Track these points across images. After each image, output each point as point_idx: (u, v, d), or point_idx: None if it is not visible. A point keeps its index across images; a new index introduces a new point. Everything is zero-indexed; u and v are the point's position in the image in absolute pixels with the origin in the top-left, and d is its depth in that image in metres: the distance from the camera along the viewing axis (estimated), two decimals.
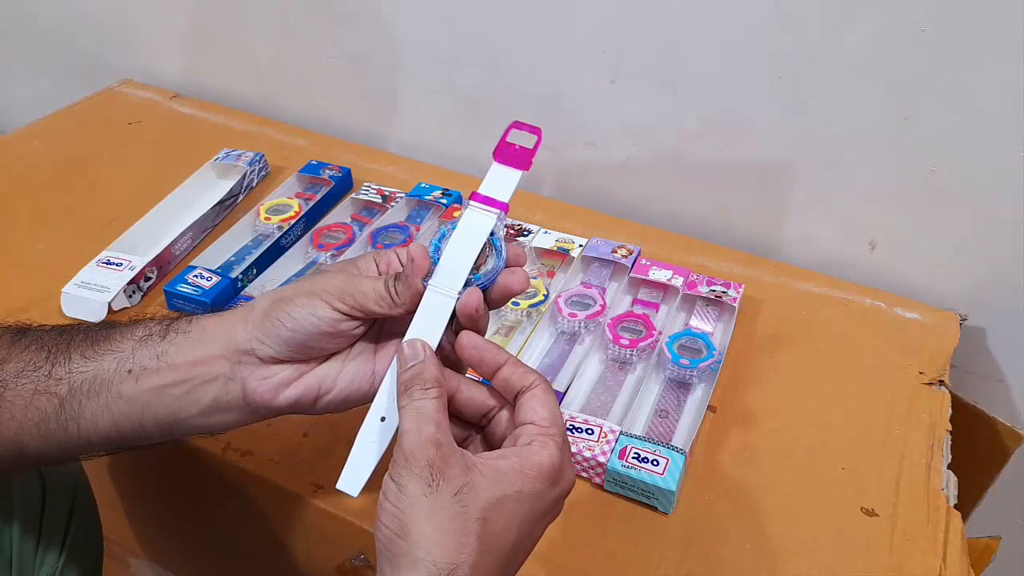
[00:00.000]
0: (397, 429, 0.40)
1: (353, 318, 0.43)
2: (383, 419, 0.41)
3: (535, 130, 0.45)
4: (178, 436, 0.46)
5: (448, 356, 0.43)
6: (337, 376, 0.44)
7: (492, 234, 0.43)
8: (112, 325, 0.45)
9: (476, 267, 0.42)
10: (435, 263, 0.42)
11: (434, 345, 0.41)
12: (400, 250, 0.46)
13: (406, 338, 0.41)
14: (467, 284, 0.42)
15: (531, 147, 0.45)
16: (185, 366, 0.43)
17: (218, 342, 0.43)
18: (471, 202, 0.43)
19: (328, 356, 0.44)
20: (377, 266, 0.45)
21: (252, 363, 0.43)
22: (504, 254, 0.43)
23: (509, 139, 0.45)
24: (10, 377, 0.43)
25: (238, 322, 0.44)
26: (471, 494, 0.35)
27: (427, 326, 0.42)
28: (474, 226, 0.43)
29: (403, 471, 0.36)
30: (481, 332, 0.43)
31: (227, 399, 0.44)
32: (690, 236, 0.80)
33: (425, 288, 0.42)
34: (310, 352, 0.43)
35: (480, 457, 0.38)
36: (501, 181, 0.44)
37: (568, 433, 0.56)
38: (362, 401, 0.45)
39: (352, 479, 0.41)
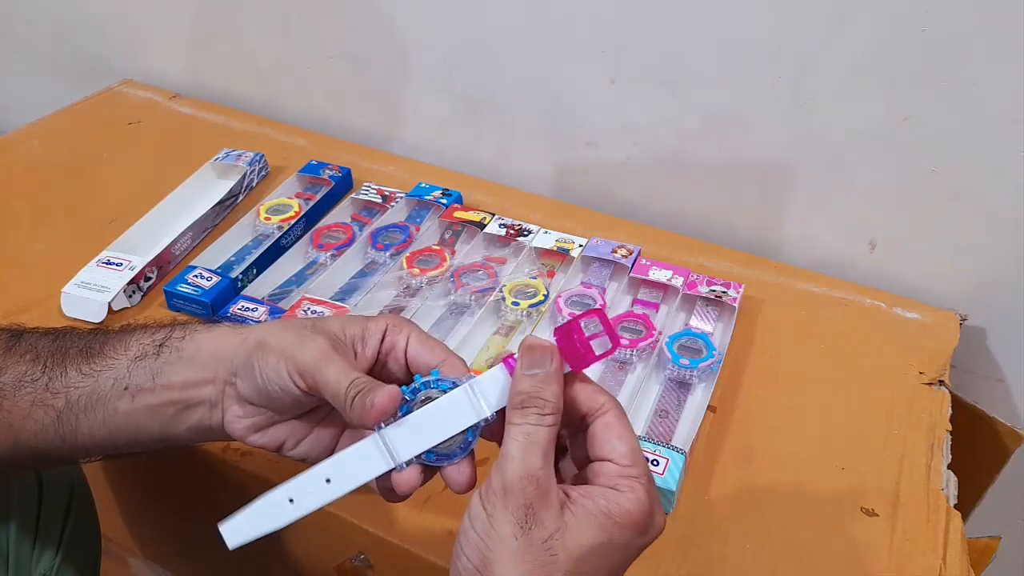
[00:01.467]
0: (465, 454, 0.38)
1: (310, 394, 0.40)
2: (328, 480, 0.39)
3: (614, 338, 0.38)
4: (170, 446, 0.46)
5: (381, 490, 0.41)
6: (301, 439, 0.44)
7: (476, 427, 0.39)
8: (105, 337, 0.45)
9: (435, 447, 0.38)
10: (403, 410, 0.38)
11: (352, 488, 0.39)
12: (400, 339, 0.42)
13: (370, 436, 0.38)
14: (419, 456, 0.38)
15: (597, 352, 0.38)
16: (178, 387, 0.43)
17: (209, 365, 0.43)
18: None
19: (301, 413, 0.43)
20: (381, 343, 0.42)
21: (233, 396, 0.43)
22: (470, 451, 0.39)
23: (584, 326, 0.38)
24: (8, 388, 0.43)
25: (232, 348, 0.42)
26: (561, 541, 0.33)
27: (356, 465, 0.39)
28: (461, 408, 0.38)
29: (498, 503, 0.34)
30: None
31: (209, 424, 0.44)
32: (690, 236, 0.80)
33: (376, 430, 0.38)
34: (276, 405, 0.42)
35: (572, 494, 0.35)
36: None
37: None
38: None
39: (240, 530, 0.39)
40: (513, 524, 0.33)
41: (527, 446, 0.35)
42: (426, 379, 0.40)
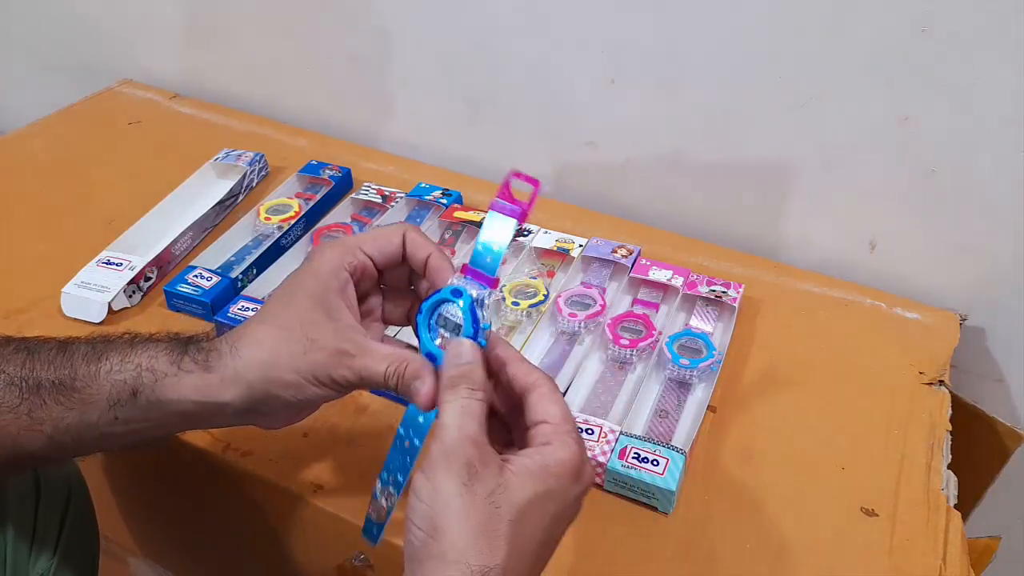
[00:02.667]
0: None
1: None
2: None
3: (533, 181, 0.41)
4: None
5: None
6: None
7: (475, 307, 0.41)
8: (73, 369, 0.42)
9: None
10: (427, 332, 0.42)
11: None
12: (392, 235, 0.45)
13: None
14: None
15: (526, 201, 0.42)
16: (176, 419, 0.43)
17: (205, 408, 0.42)
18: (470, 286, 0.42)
19: None
20: (347, 266, 0.44)
21: (259, 415, 0.45)
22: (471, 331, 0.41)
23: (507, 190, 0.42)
24: None
25: (224, 393, 0.42)
26: (504, 495, 0.35)
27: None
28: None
29: (439, 468, 0.36)
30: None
31: (236, 423, 0.45)
32: (690, 236, 0.80)
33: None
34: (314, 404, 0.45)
35: (509, 457, 0.38)
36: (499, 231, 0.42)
37: None
38: None
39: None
40: (456, 483, 0.35)
41: (462, 415, 0.37)
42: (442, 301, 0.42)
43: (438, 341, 0.42)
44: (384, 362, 0.41)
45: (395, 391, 0.41)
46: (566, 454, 0.37)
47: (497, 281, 0.42)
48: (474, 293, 0.41)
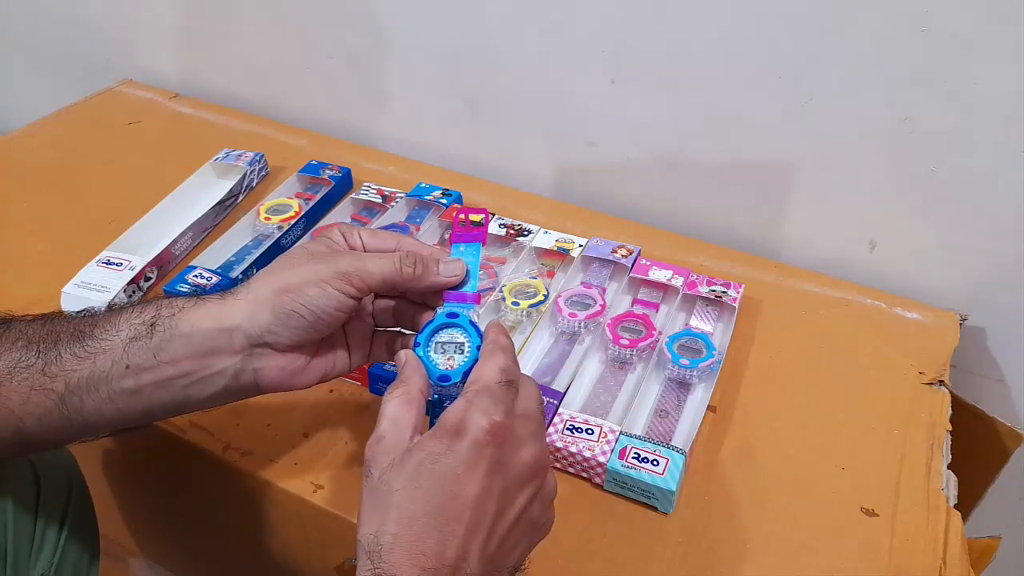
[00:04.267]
0: None
1: (358, 297, 0.45)
2: None
3: (481, 210, 0.50)
4: (188, 412, 0.47)
5: None
6: (338, 360, 0.49)
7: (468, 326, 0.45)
8: (94, 319, 0.45)
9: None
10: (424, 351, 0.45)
11: None
12: (390, 238, 0.49)
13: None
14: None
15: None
16: (185, 361, 0.44)
17: (215, 338, 0.44)
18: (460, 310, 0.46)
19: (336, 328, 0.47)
20: (346, 240, 0.47)
21: (267, 353, 0.45)
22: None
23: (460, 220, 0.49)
24: (3, 374, 0.43)
25: (237, 314, 0.44)
26: (394, 470, 0.38)
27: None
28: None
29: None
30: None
31: (238, 385, 0.45)
32: (690, 236, 0.80)
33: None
34: (322, 333, 0.46)
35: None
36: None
37: (568, 433, 0.56)
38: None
39: None
40: (363, 478, 0.39)
41: (388, 415, 0.40)
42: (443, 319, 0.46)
43: (444, 365, 0.44)
44: (391, 257, 0.45)
45: (411, 277, 0.45)
46: (447, 415, 0.39)
47: (480, 297, 0.47)
48: (467, 311, 0.46)
